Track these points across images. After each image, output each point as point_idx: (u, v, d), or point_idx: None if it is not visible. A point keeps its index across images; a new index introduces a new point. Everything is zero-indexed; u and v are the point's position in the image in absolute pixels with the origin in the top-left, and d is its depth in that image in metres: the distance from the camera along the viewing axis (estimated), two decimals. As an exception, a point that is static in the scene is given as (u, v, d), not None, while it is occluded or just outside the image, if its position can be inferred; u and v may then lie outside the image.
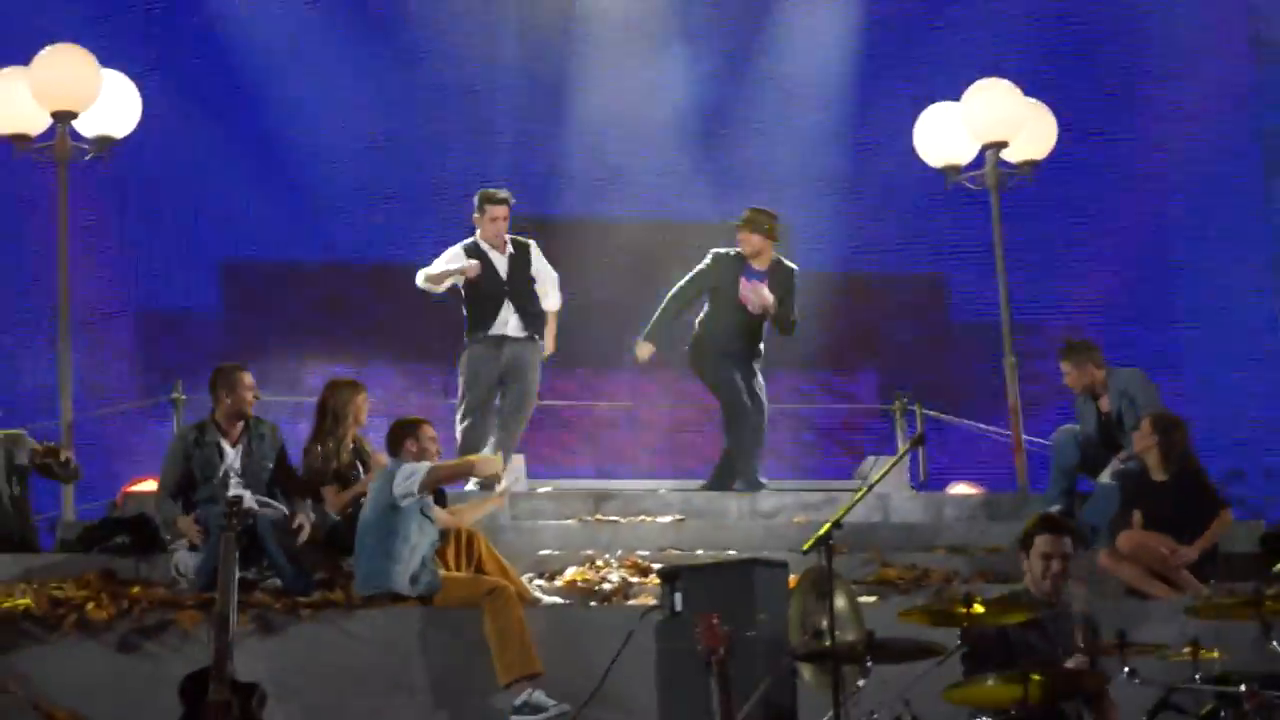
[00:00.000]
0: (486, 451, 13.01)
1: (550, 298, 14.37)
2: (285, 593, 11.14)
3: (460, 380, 14.20)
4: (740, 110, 20.87)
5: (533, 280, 14.19)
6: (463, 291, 14.10)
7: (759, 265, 14.30)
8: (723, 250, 14.59)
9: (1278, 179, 20.46)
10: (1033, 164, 15.98)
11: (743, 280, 14.14)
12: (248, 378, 12.33)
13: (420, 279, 14.18)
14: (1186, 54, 20.88)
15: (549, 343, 14.33)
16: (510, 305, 14.01)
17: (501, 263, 14.12)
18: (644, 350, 14.40)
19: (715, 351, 14.34)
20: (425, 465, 11.15)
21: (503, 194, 14.32)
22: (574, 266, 16.09)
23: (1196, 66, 20.81)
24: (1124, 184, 20.49)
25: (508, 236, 14.21)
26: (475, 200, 14.36)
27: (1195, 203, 20.73)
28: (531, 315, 14.11)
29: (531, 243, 14.41)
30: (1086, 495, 13.61)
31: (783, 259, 14.61)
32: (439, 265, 14.13)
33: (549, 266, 14.48)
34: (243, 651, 9.81)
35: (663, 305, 14.71)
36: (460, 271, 13.87)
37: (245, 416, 12.14)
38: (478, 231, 14.21)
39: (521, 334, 14.04)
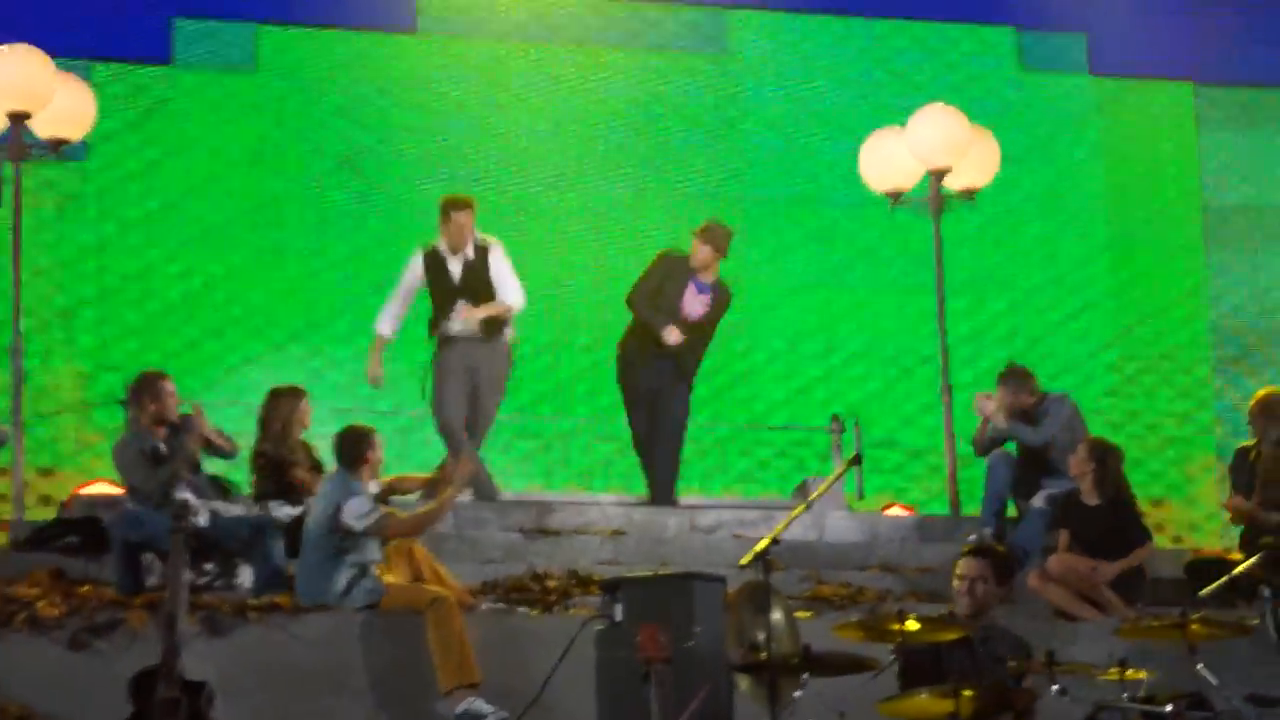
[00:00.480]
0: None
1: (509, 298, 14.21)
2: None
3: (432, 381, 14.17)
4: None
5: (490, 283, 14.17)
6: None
7: (705, 278, 14.22)
8: (674, 254, 14.50)
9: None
10: (974, 190, 16.07)
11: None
12: (170, 385, 12.42)
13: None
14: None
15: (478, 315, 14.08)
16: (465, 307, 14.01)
17: (456, 266, 14.10)
18: (674, 334, 14.05)
19: (647, 358, 14.24)
20: (382, 514, 11.10)
21: (465, 199, 14.28)
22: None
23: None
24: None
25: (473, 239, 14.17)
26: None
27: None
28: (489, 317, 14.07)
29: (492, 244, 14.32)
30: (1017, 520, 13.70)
31: (723, 280, 14.55)
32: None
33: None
34: (191, 652, 9.74)
35: (639, 303, 14.42)
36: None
37: (170, 422, 12.19)
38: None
39: (477, 335, 14.02)
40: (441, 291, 14.01)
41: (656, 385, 14.15)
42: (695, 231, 14.45)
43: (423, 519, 11.44)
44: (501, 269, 14.15)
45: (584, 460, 17.96)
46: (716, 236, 14.34)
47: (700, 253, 14.31)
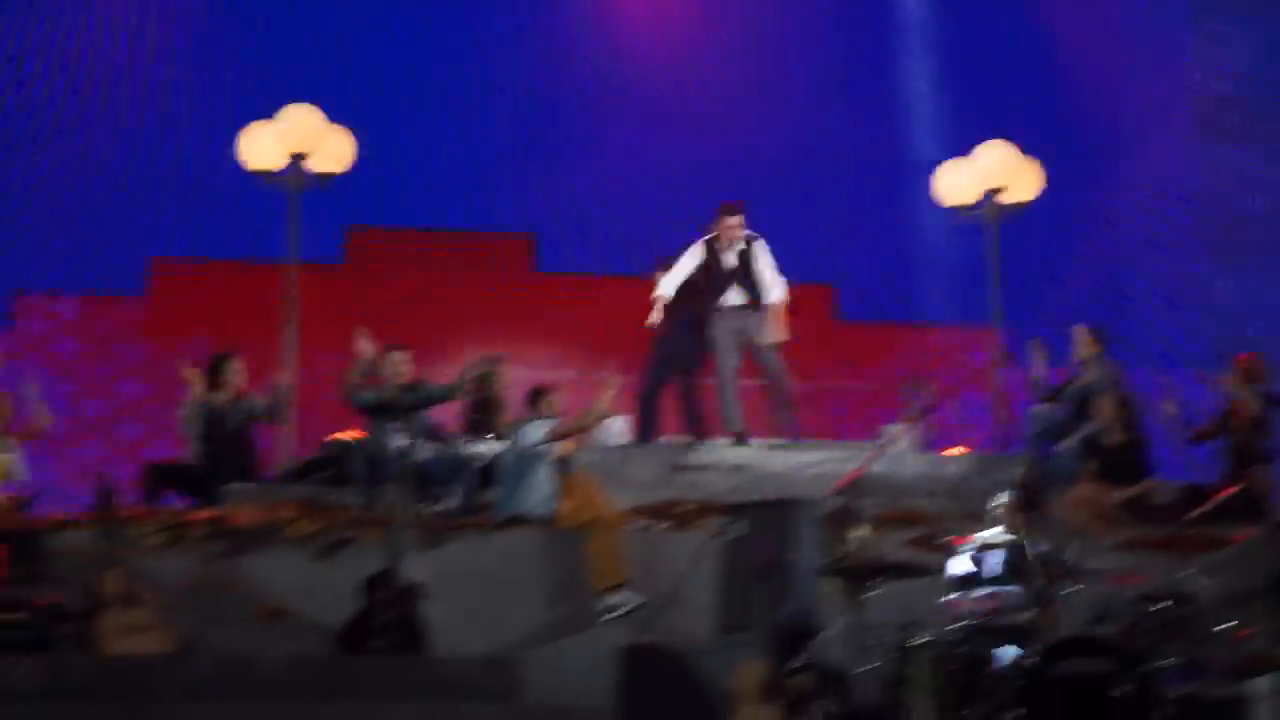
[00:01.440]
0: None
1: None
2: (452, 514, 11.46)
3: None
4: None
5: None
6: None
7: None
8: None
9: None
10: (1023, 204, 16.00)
11: None
12: (401, 354, 12.34)
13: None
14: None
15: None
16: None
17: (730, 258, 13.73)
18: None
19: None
20: (550, 421, 11.44)
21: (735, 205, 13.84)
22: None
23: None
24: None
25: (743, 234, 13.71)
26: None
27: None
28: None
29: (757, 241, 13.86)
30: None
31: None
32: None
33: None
34: (410, 560, 10.01)
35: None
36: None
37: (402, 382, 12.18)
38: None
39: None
40: (716, 275, 13.71)
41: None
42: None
43: (574, 422, 11.77)
44: (765, 262, 13.81)
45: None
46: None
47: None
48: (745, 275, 13.72)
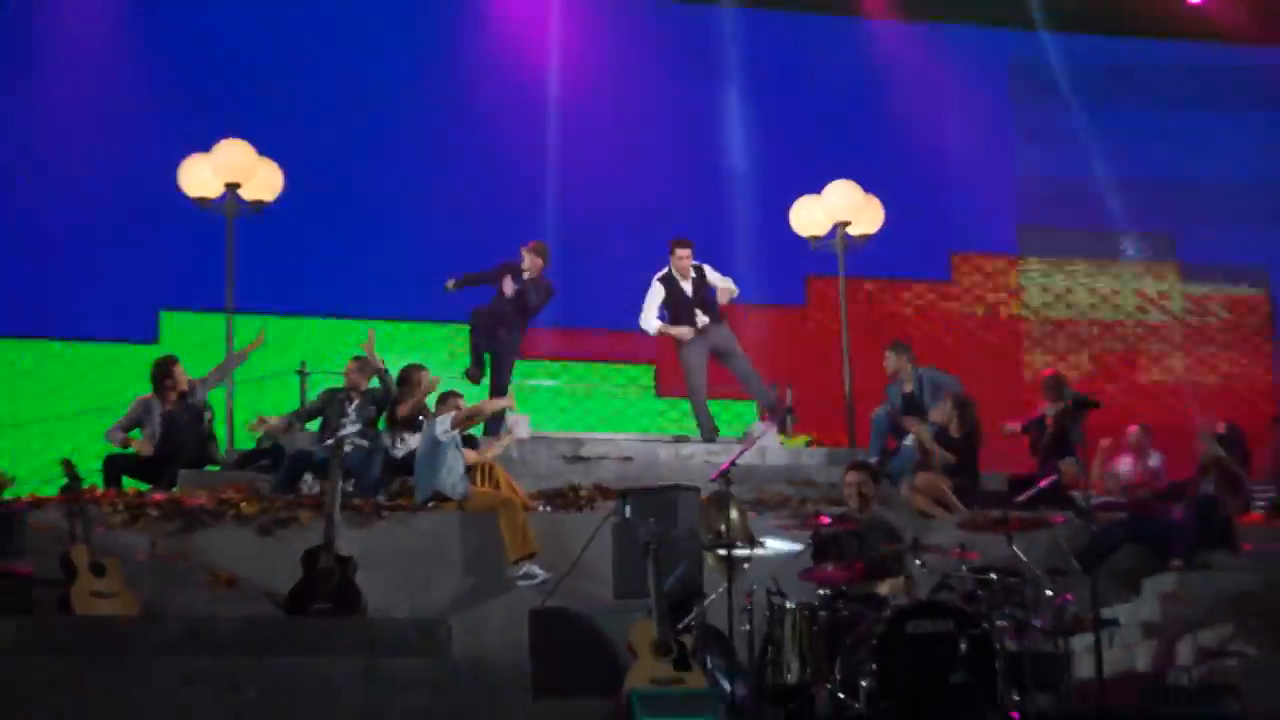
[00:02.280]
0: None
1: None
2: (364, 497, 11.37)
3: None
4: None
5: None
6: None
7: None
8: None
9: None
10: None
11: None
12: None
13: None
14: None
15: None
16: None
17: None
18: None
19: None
20: (450, 414, 11.34)
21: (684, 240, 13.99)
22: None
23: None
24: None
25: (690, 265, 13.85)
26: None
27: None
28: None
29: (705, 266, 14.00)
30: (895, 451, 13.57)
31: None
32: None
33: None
34: (342, 537, 9.95)
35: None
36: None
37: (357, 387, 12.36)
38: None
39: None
40: (681, 303, 13.89)
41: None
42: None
43: (469, 411, 11.58)
44: (714, 277, 13.99)
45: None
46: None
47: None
48: (703, 298, 13.86)
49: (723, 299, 14.03)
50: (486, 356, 13.98)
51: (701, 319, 13.86)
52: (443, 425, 11.34)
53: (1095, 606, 9.24)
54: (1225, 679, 9.27)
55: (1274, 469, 14.44)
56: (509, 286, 13.78)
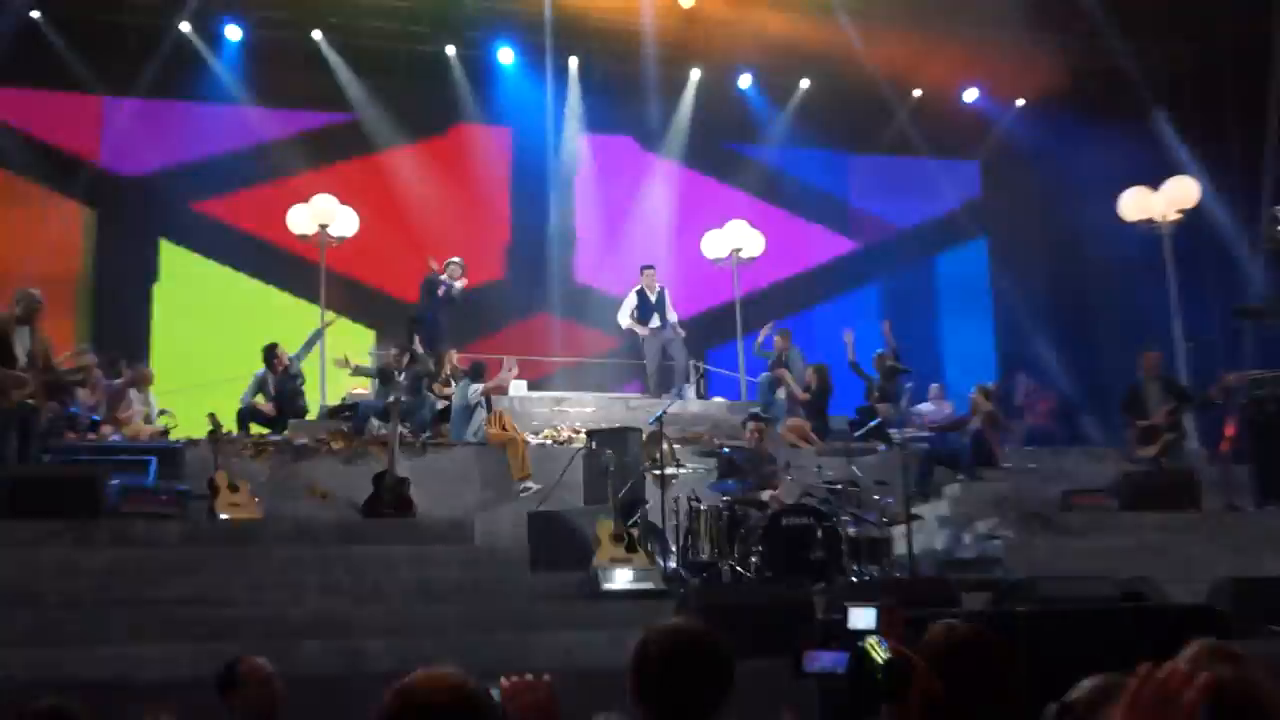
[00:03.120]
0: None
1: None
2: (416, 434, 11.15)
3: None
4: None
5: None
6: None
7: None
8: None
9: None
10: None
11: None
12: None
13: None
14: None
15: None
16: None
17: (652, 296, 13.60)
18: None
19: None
20: (480, 385, 11.20)
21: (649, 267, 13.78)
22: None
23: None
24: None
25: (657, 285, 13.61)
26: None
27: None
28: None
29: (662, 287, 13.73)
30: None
31: None
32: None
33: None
34: (400, 464, 9.89)
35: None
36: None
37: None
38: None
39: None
40: (644, 307, 13.61)
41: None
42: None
43: (491, 386, 11.30)
44: (666, 299, 13.69)
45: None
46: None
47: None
48: (660, 307, 13.64)
49: (670, 317, 13.77)
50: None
51: (656, 321, 13.62)
52: (474, 393, 11.24)
53: (908, 506, 9.33)
54: (993, 554, 9.35)
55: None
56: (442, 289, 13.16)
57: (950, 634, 2.80)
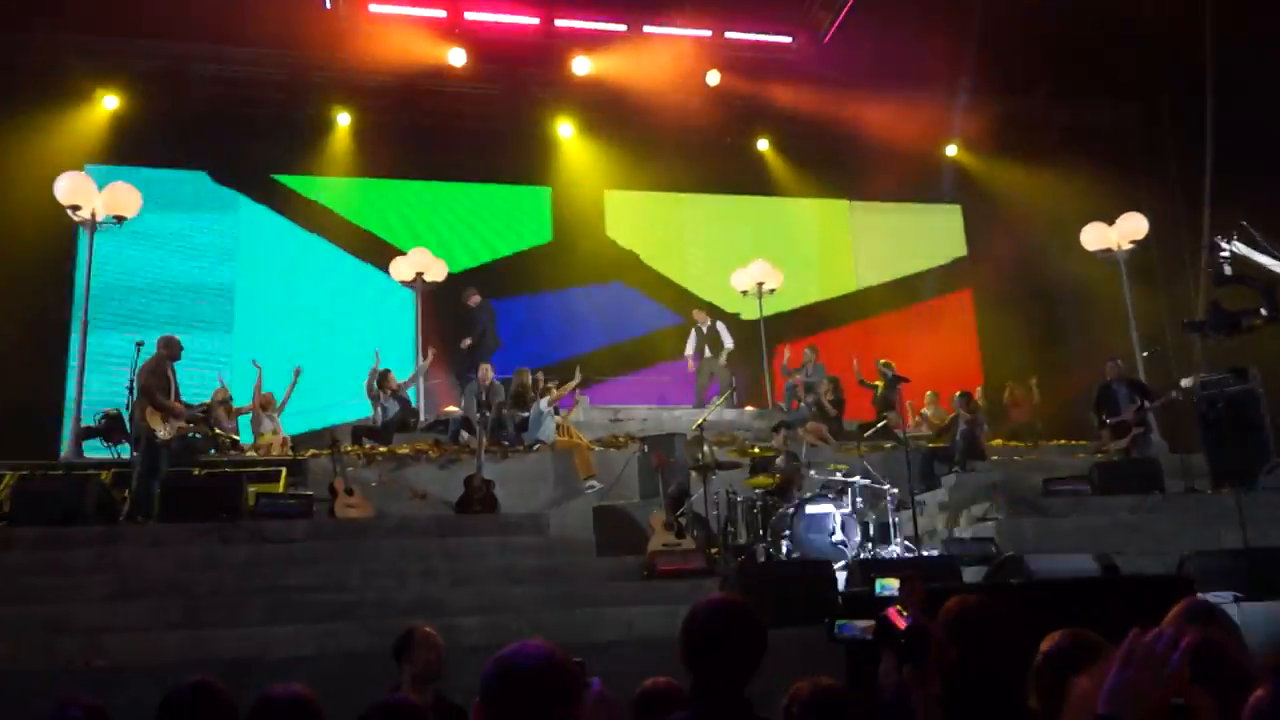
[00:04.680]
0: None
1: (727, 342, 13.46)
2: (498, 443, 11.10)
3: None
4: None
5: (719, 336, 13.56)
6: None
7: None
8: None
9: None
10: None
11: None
12: (485, 368, 11.90)
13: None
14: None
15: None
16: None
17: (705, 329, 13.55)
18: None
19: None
20: (547, 398, 11.18)
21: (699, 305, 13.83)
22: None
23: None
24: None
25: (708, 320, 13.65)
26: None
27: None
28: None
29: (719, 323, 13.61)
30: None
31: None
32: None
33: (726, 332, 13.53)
34: (486, 468, 9.73)
35: None
36: None
37: (488, 382, 11.69)
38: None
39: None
40: (703, 342, 13.57)
41: None
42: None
43: (555, 396, 11.24)
44: (720, 330, 13.66)
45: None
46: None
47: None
48: (714, 341, 13.56)
49: (727, 343, 13.64)
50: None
51: (707, 352, 13.56)
52: (545, 403, 11.23)
53: (912, 495, 9.20)
54: (986, 533, 9.12)
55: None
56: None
57: (962, 605, 2.73)
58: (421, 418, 12.72)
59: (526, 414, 11.45)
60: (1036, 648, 2.42)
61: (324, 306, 14.77)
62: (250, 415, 11.74)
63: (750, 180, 16.38)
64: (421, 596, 7.38)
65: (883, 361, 12.76)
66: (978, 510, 9.88)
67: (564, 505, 10.28)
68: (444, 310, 13.85)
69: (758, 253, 14.97)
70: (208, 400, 11.25)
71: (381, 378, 12.12)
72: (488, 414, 10.87)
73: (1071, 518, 9.40)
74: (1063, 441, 13.00)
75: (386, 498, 10.04)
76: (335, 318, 14.76)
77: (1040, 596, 5.67)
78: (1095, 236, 13.94)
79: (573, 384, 12.00)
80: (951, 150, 16.77)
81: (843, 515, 8.72)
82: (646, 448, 10.04)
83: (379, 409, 11.91)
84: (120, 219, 11.70)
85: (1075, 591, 5.83)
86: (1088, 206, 14.29)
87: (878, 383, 12.86)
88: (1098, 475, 10.15)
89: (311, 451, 10.89)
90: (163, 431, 8.93)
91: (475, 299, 13.32)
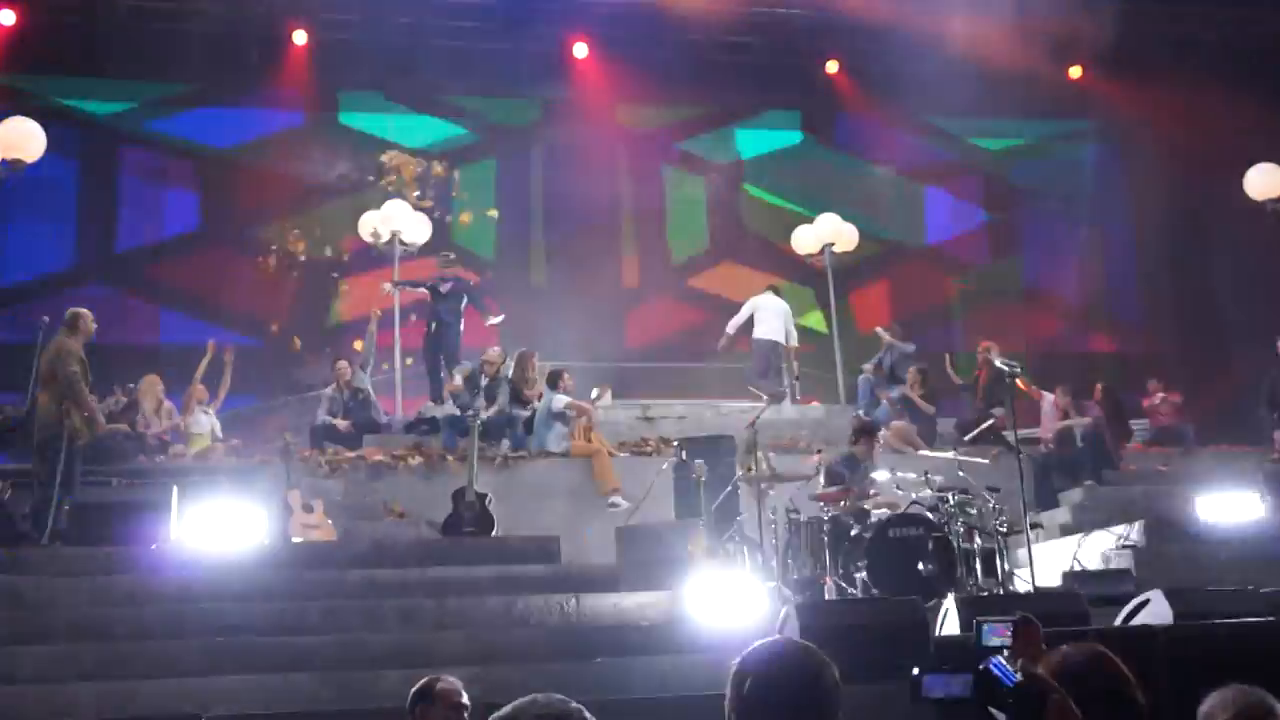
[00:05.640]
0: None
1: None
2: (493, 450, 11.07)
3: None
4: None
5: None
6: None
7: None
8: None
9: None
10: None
11: None
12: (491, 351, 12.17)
13: None
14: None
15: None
16: None
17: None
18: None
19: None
20: (568, 399, 11.33)
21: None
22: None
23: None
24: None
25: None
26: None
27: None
28: None
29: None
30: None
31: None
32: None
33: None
34: (479, 480, 9.96)
35: None
36: None
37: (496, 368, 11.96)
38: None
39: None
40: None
41: None
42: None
43: (581, 408, 11.33)
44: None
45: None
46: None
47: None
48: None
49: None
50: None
51: (766, 333, 13.62)
52: (561, 403, 11.29)
53: (1025, 514, 9.08)
54: (1122, 564, 9.07)
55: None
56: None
57: (1081, 654, 2.70)
58: (398, 413, 12.84)
59: (527, 412, 11.62)
60: (1188, 708, 2.41)
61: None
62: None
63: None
64: (399, 642, 7.42)
65: (984, 346, 12.79)
66: (1111, 535, 9.84)
67: (580, 527, 10.39)
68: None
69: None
70: (130, 386, 11.32)
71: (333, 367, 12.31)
72: (482, 410, 10.89)
73: (1233, 544, 9.34)
74: (1221, 447, 12.93)
75: (355, 516, 10.13)
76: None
77: (1193, 645, 5.69)
78: (1264, 181, 13.73)
79: (600, 398, 12.12)
80: (1075, 72, 16.59)
81: (936, 540, 8.74)
82: (685, 453, 10.04)
83: (334, 407, 11.96)
84: (16, 163, 11.82)
85: (1241, 639, 5.83)
86: (1255, 145, 14.09)
87: (982, 369, 12.84)
88: (1269, 489, 10.06)
89: (259, 457, 10.98)
90: (87, 434, 9.04)
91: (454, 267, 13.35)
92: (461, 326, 12.96)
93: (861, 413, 12.37)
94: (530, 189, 17.32)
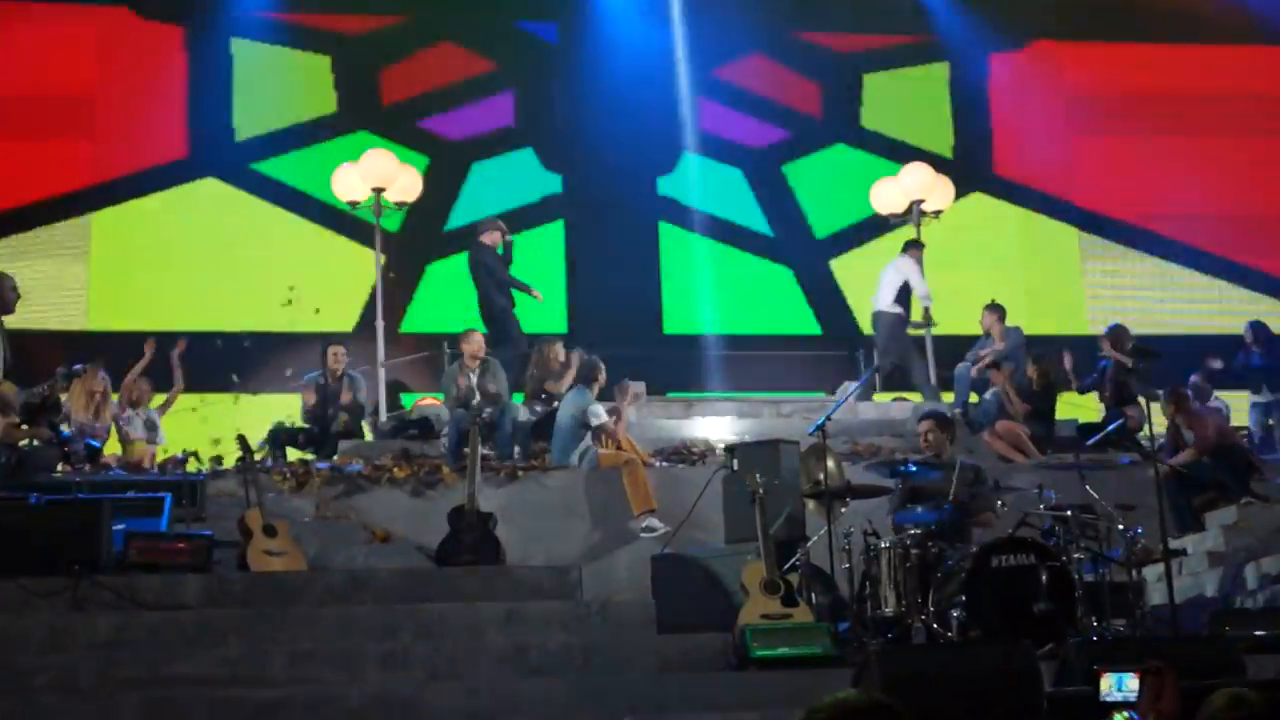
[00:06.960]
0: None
1: None
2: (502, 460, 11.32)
3: None
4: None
5: None
6: None
7: None
8: None
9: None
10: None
11: None
12: (476, 335, 12.24)
13: None
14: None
15: None
16: None
17: None
18: None
19: None
20: (609, 423, 11.40)
21: None
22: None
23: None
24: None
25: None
26: None
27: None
28: None
29: None
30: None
31: None
32: None
33: None
34: (484, 495, 10.03)
35: None
36: None
37: (480, 359, 11.98)
38: None
39: None
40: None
41: None
42: None
43: (616, 457, 11.26)
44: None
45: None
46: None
47: None
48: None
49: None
50: None
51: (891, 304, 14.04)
52: (593, 413, 11.37)
53: (1164, 538, 9.08)
54: (1286, 601, 9.08)
55: None
56: None
57: (1236, 706, 2.71)
58: (382, 414, 12.94)
59: (541, 409, 11.77)
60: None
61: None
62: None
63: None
64: (383, 694, 7.43)
65: (1117, 326, 12.97)
66: (1273, 563, 9.79)
67: (606, 554, 10.47)
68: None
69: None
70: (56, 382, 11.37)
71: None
72: (482, 412, 11.01)
73: None
74: None
75: (329, 540, 10.17)
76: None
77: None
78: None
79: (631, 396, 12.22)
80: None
81: (1051, 571, 8.69)
82: (737, 463, 10.02)
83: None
84: None
85: None
86: None
87: (1109, 357, 12.88)
88: None
89: (210, 466, 11.04)
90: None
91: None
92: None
93: (959, 410, 12.51)
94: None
